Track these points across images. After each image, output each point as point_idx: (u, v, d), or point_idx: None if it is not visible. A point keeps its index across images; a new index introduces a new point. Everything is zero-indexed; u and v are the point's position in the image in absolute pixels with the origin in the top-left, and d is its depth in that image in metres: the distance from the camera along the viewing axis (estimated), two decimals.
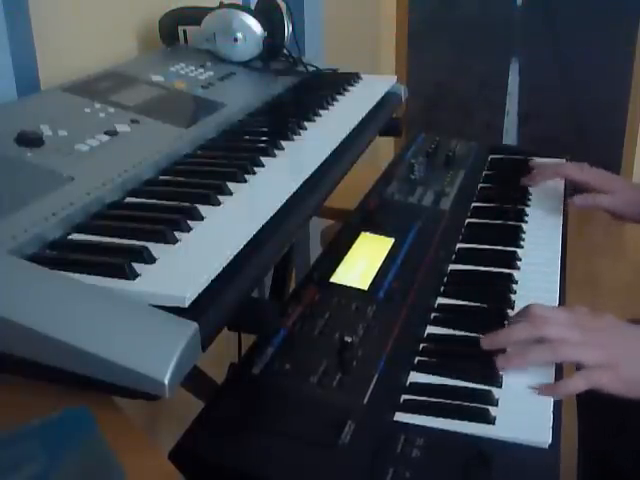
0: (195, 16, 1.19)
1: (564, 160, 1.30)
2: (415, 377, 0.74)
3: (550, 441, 0.65)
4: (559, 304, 0.89)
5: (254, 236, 0.66)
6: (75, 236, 0.65)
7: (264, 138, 0.92)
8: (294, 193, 0.77)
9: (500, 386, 0.72)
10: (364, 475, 0.59)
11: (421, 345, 0.79)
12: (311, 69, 1.26)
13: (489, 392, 0.71)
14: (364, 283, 0.86)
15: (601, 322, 0.79)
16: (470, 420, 0.67)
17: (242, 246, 0.64)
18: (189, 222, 0.66)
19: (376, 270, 0.89)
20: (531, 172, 1.19)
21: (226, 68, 1.16)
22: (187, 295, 0.54)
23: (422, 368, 0.75)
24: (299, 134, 0.95)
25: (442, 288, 0.90)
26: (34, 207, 0.65)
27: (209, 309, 0.57)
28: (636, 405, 0.76)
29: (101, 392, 0.57)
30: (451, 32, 2.95)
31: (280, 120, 0.98)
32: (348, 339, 0.73)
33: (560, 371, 0.76)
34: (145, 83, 1.01)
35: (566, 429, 0.71)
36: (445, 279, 0.93)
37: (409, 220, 1.02)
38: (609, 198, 1.10)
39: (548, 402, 0.70)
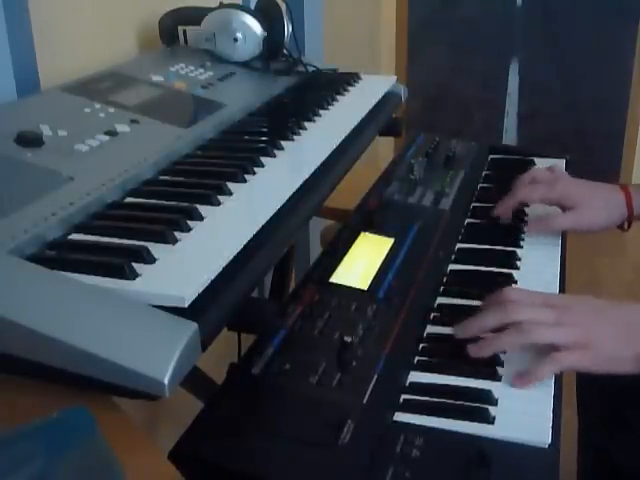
0: (195, 16, 1.19)
1: (563, 160, 1.30)
2: (415, 377, 0.74)
3: (550, 441, 0.65)
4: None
5: (254, 236, 0.66)
6: (75, 236, 0.65)
7: (264, 138, 0.92)
8: (294, 193, 0.77)
9: (499, 379, 0.72)
10: (364, 475, 0.59)
11: (421, 345, 0.79)
12: (311, 69, 1.26)
13: (489, 392, 0.71)
14: (364, 283, 0.86)
15: (574, 301, 0.78)
16: (470, 420, 0.67)
17: (242, 246, 0.64)
18: (189, 222, 0.66)
19: (376, 270, 0.89)
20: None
21: (226, 68, 1.16)
22: (187, 295, 0.54)
23: (422, 368, 0.75)
24: (299, 134, 0.95)
25: (442, 288, 0.91)
26: (34, 207, 0.65)
27: (209, 309, 0.57)
28: (636, 403, 0.76)
29: (101, 392, 0.57)
30: (451, 32, 2.95)
31: (280, 120, 0.98)
32: (348, 339, 0.73)
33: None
34: (145, 83, 1.01)
35: (566, 429, 0.71)
36: (445, 279, 0.93)
37: (409, 220, 1.02)
38: (568, 217, 1.02)
39: (548, 402, 0.70)
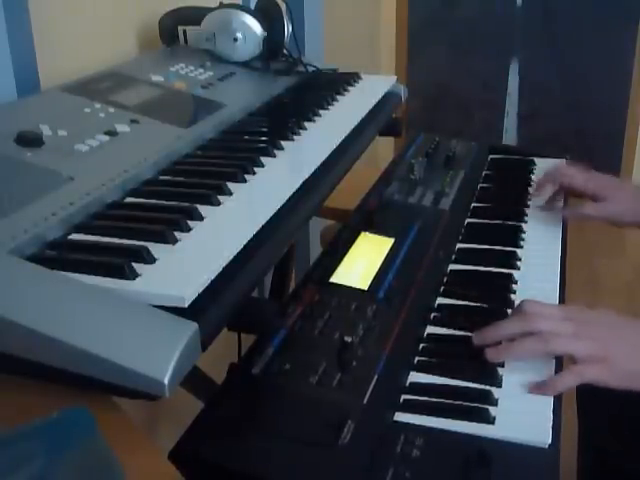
0: (195, 16, 1.19)
1: (564, 160, 1.30)
2: (415, 377, 0.74)
3: (550, 441, 0.65)
4: (559, 304, 0.89)
5: (254, 236, 0.66)
6: (75, 236, 0.65)
7: (264, 138, 0.92)
8: (294, 193, 0.77)
9: (500, 386, 0.72)
10: (364, 475, 0.59)
11: (421, 345, 0.79)
12: (311, 69, 1.26)
13: (489, 392, 0.71)
14: (364, 283, 0.86)
15: (593, 315, 0.79)
16: (470, 420, 0.67)
17: (242, 246, 0.64)
18: (189, 222, 0.66)
19: (376, 270, 0.89)
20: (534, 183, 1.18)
21: (226, 68, 1.16)
22: (187, 295, 0.54)
23: (422, 368, 0.75)
24: (299, 134, 0.95)
25: (442, 288, 0.91)
26: (34, 207, 0.65)
27: (209, 309, 0.57)
28: (636, 403, 0.76)
29: (101, 392, 0.57)
30: (451, 32, 2.95)
31: (280, 120, 0.98)
32: (348, 339, 0.73)
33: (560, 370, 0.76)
34: (145, 83, 1.01)
35: (566, 429, 0.71)
36: (445, 279, 0.93)
37: (409, 220, 1.02)
38: (601, 207, 1.06)
39: (548, 402, 0.70)
